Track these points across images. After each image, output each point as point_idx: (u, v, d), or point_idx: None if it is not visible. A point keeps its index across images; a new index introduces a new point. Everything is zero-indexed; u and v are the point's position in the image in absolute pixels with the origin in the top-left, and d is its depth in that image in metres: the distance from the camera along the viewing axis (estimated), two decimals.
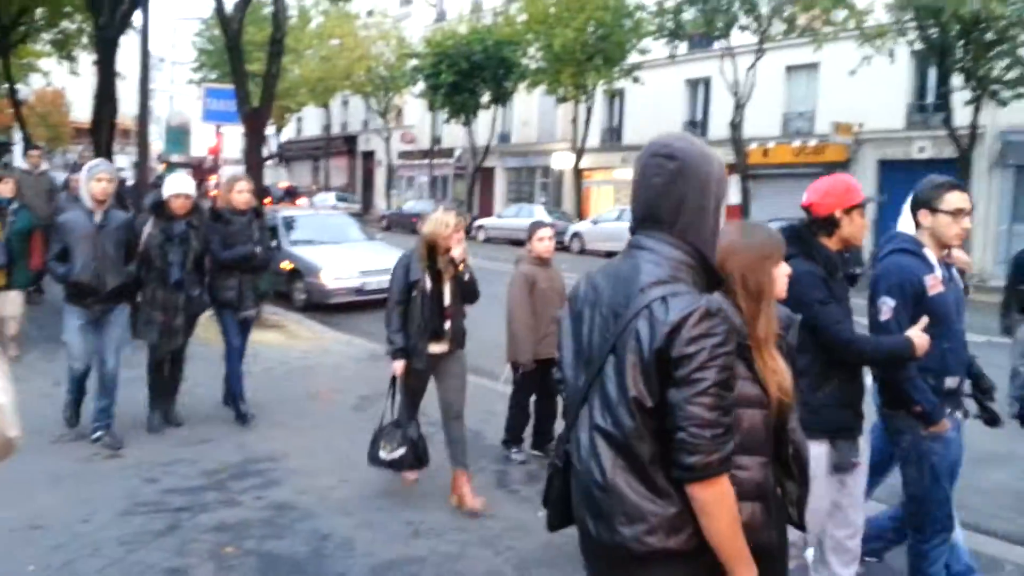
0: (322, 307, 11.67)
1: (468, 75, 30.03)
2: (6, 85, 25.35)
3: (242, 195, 6.02)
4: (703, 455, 1.66)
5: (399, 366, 4.51)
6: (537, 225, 5.56)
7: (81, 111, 24.79)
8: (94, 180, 5.24)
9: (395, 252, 13.55)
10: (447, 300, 4.54)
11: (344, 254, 12.47)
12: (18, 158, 31.68)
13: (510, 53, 29.31)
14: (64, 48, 26.13)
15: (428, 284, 4.51)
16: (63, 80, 34.36)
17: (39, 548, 3.84)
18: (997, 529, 4.66)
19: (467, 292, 4.66)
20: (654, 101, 29.37)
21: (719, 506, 1.71)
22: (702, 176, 1.85)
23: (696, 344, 1.67)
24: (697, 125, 29.96)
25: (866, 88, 22.11)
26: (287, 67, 36.29)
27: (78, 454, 5.20)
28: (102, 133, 16.82)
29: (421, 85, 32.86)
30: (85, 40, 23.82)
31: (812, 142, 25.60)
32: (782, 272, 2.25)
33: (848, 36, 20.75)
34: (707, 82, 28.45)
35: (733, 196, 27.14)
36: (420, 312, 4.45)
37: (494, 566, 3.92)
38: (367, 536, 4.17)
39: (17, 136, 27.96)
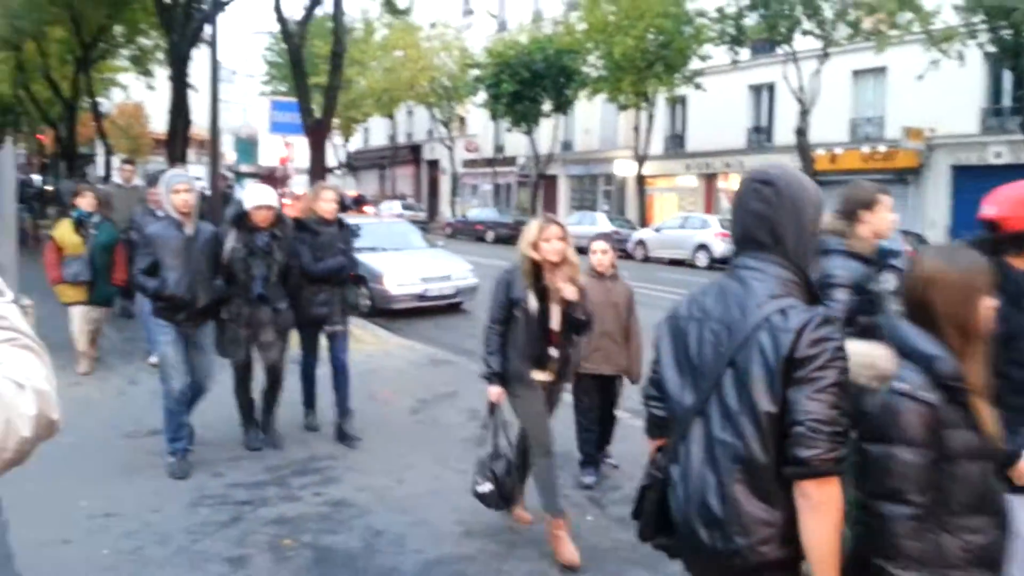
0: (385, 312, 11.94)
1: (529, 84, 30.27)
2: (88, 100, 26.57)
3: (329, 204, 5.70)
4: (820, 451, 1.72)
5: (495, 392, 4.11)
6: (592, 238, 5.42)
7: (159, 123, 25.84)
8: (172, 192, 5.00)
9: (456, 259, 13.88)
10: (554, 323, 4.08)
11: (406, 261, 12.74)
12: (100, 169, 33.11)
13: (570, 62, 29.44)
14: (141, 63, 27.30)
15: (533, 304, 4.04)
16: (141, 94, 35.83)
17: (114, 534, 4.09)
18: None
19: (577, 324, 4.19)
20: (717, 107, 29.12)
21: (828, 507, 1.75)
22: (798, 201, 1.96)
23: (817, 346, 1.76)
24: (761, 131, 29.58)
25: (937, 92, 21.53)
26: (353, 79, 37.22)
27: (151, 448, 5.47)
28: (176, 144, 17.57)
29: (483, 95, 33.23)
30: (160, 55, 24.78)
31: (882, 148, 25.03)
32: (989, 305, 2.03)
33: (915, 39, 20.25)
34: (771, 87, 28.08)
35: None
36: (522, 334, 4.03)
37: (540, 568, 4.01)
38: (419, 533, 4.31)
39: (99, 148, 29.18)
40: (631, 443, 5.31)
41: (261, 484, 4.92)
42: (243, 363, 5.42)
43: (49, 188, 21.21)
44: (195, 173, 22.36)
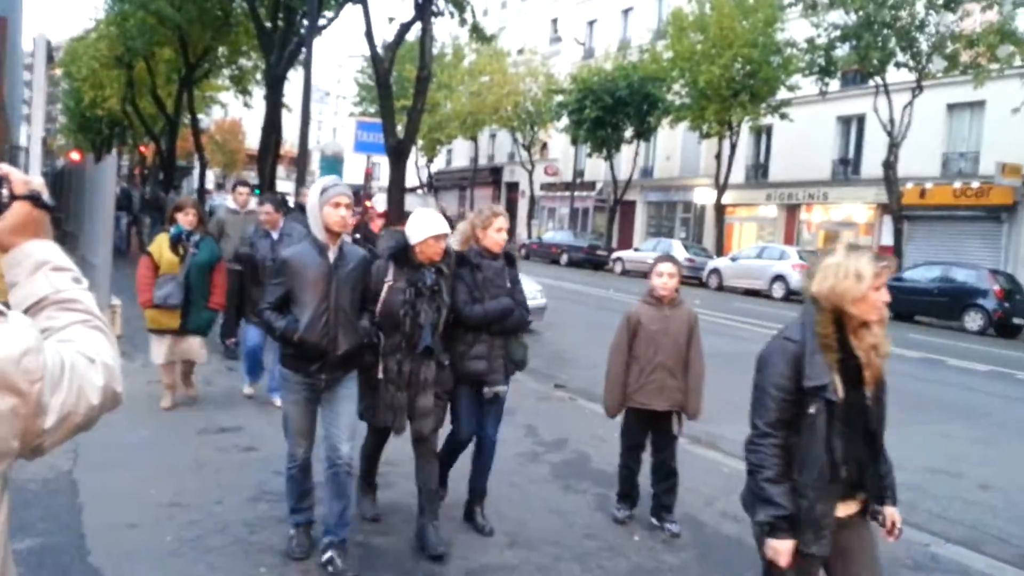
0: None
1: (612, 110, 30.39)
2: (189, 116, 27.97)
3: (500, 234, 4.56)
4: None
5: (784, 551, 2.56)
6: (658, 260, 4.93)
7: (255, 140, 27.07)
8: (330, 205, 3.87)
9: (526, 280, 13.93)
10: (872, 420, 2.68)
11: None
12: (195, 181, 34.62)
13: (655, 89, 29.45)
14: (240, 83, 28.61)
15: (840, 390, 2.56)
16: (239, 112, 37.49)
17: (178, 523, 4.32)
18: None
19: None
20: (803, 138, 28.63)
21: None
22: None
23: None
24: (848, 163, 28.91)
25: None
26: (440, 102, 38.10)
27: (220, 445, 5.74)
28: (267, 160, 18.34)
29: (565, 120, 33.52)
30: (258, 76, 25.91)
31: (975, 183, 24.14)
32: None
33: (1015, 73, 19.55)
34: (860, 119, 27.46)
35: (886, 237, 25.97)
36: (826, 445, 2.55)
37: None
38: (466, 541, 4.41)
39: (196, 162, 30.59)
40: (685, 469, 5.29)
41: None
42: (388, 431, 4.38)
43: (147, 197, 22.25)
44: (283, 188, 23.25)
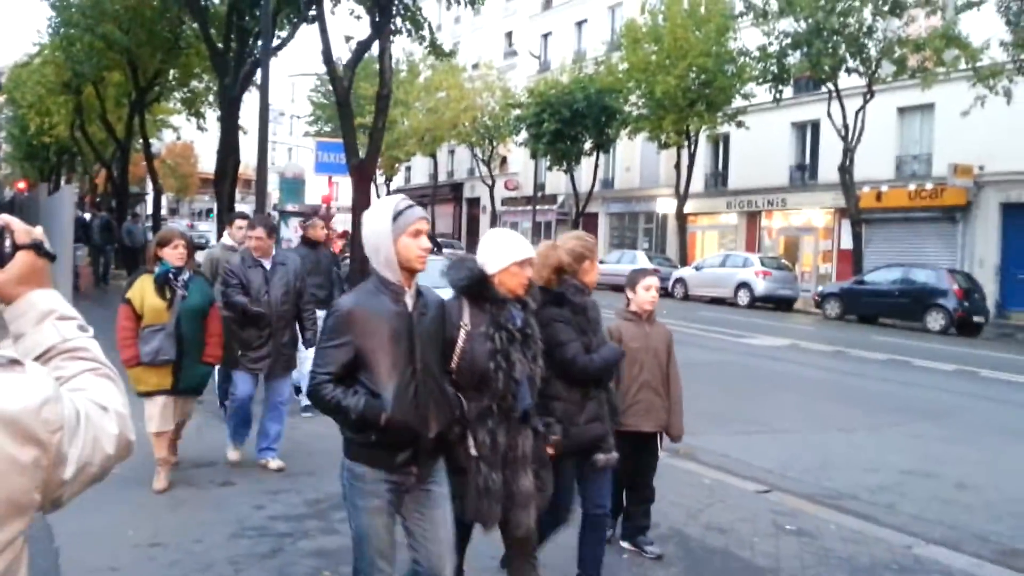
0: None
1: (570, 123, 30.57)
2: (140, 140, 27.51)
3: (591, 275, 3.93)
4: None
5: None
6: (641, 273, 4.63)
7: (208, 163, 26.73)
8: (408, 235, 2.83)
9: None
10: None
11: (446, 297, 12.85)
12: (149, 207, 33.95)
13: (612, 101, 29.70)
14: (193, 105, 28.22)
15: None
16: (191, 134, 36.97)
17: (158, 564, 4.18)
18: None
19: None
20: (760, 145, 29.08)
21: None
22: None
23: None
24: (805, 169, 29.42)
25: (986, 129, 21.27)
26: (397, 119, 37.99)
27: (196, 481, 5.59)
28: (225, 183, 18.07)
29: (524, 134, 33.64)
30: (211, 98, 25.57)
31: (928, 185, 24.72)
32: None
33: (963, 76, 20.09)
34: (815, 125, 27.98)
35: (845, 241, 26.44)
36: None
37: None
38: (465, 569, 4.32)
39: (149, 187, 30.08)
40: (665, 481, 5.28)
41: (301, 517, 4.98)
42: (485, 523, 3.26)
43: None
44: (242, 211, 22.95)
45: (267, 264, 5.88)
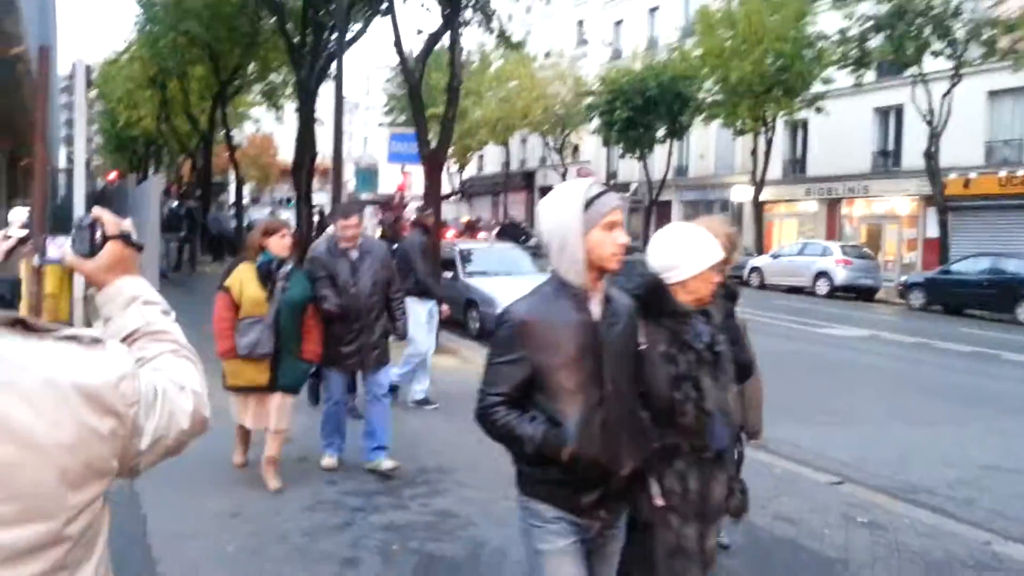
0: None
1: (643, 110, 30.24)
2: (223, 132, 28.41)
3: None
4: None
5: None
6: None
7: (287, 153, 27.48)
8: (601, 228, 2.34)
9: None
10: None
11: (516, 285, 12.86)
12: (231, 196, 35.08)
13: (685, 87, 29.26)
14: (272, 98, 28.98)
15: None
16: (271, 126, 37.98)
17: (236, 533, 4.39)
18: None
19: None
20: (840, 131, 28.23)
21: None
22: None
23: None
24: (888, 155, 28.47)
25: None
26: (469, 109, 38.23)
27: None
28: (302, 173, 18.55)
29: (596, 122, 33.44)
30: (290, 91, 26.21)
31: (1021, 172, 23.60)
32: None
33: None
34: (899, 110, 27.03)
35: (930, 229, 25.51)
36: None
37: None
38: (520, 547, 4.38)
39: (232, 177, 31.05)
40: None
41: (373, 493, 5.14)
42: None
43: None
44: (319, 201, 23.50)
45: (354, 254, 5.50)
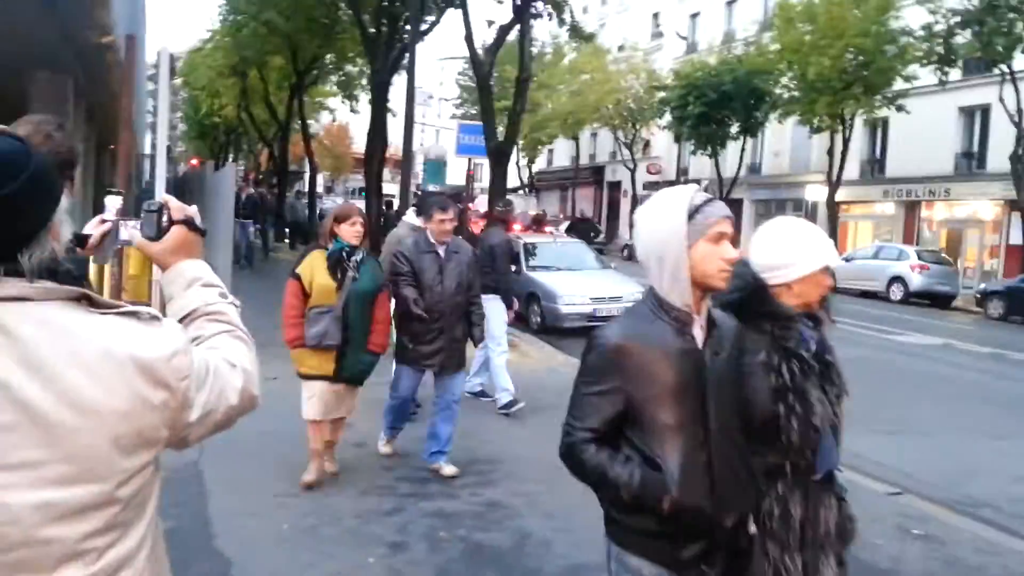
0: (555, 330, 12.22)
1: (717, 106, 29.77)
2: (299, 122, 29.12)
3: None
4: None
5: None
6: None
7: (361, 144, 27.93)
8: (708, 240, 2.07)
9: (627, 281, 13.92)
10: None
11: (578, 281, 12.98)
12: (306, 185, 35.85)
13: (762, 83, 28.67)
14: (347, 89, 29.54)
15: None
16: (346, 116, 38.68)
17: (292, 512, 4.58)
18: None
19: None
20: (922, 131, 27.25)
21: None
22: None
23: None
24: (972, 157, 27.39)
25: None
26: (540, 102, 38.25)
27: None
28: (373, 164, 18.89)
29: (668, 117, 33.07)
30: (365, 81, 26.68)
31: None
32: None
33: None
34: (985, 110, 25.93)
35: (1014, 236, 24.47)
36: None
37: None
38: (565, 539, 4.47)
39: (307, 166, 31.77)
40: None
41: (425, 481, 5.28)
42: None
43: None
44: (389, 191, 23.88)
45: (441, 251, 5.33)
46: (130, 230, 1.54)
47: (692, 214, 2.05)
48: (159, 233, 1.52)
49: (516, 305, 8.11)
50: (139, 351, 1.20)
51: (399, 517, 4.61)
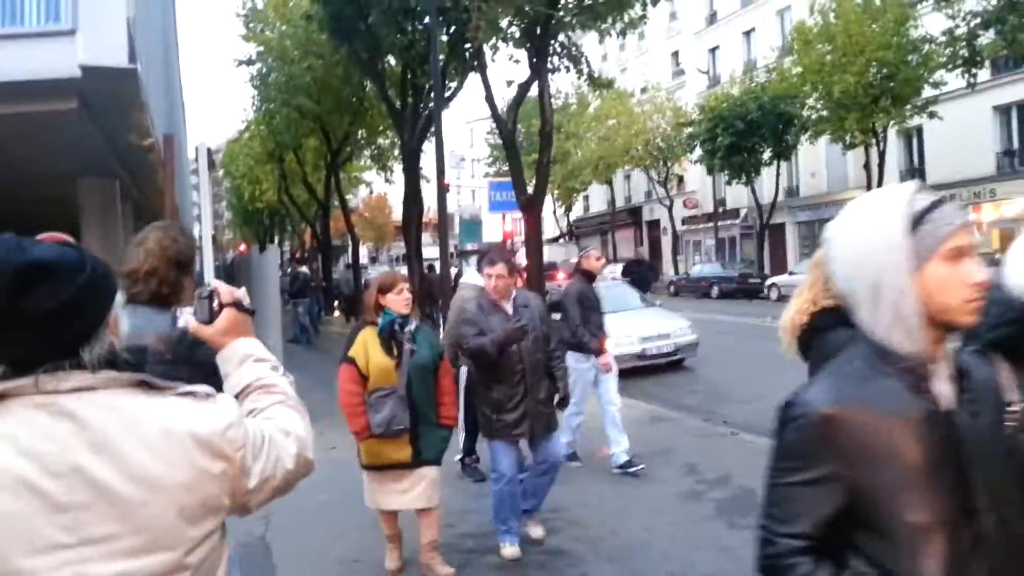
0: None
1: (745, 134, 29.81)
2: (338, 198, 29.85)
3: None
4: None
5: None
6: None
7: (400, 212, 28.55)
8: (943, 257, 1.45)
9: (674, 317, 13.89)
10: None
11: (625, 322, 12.96)
12: (349, 258, 36.59)
13: (788, 106, 28.67)
14: (380, 161, 30.31)
15: None
16: (383, 187, 39.55)
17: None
18: None
19: None
20: (958, 135, 26.86)
21: None
22: None
23: None
24: (1013, 154, 26.87)
25: None
26: (570, 151, 38.70)
27: None
28: (412, 230, 19.28)
29: (698, 151, 33.18)
30: (396, 152, 27.35)
31: None
32: None
33: None
34: (1021, 106, 25.55)
35: None
36: None
37: None
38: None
39: (349, 240, 32.45)
40: None
41: (487, 534, 5.29)
42: None
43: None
44: (429, 255, 24.27)
45: (508, 308, 4.91)
46: (186, 316, 1.67)
47: (916, 223, 1.46)
48: (211, 317, 1.65)
49: (606, 356, 7.00)
50: (196, 427, 1.32)
51: (464, 573, 4.64)
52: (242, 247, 38.64)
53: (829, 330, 2.54)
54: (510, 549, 4.89)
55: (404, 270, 17.42)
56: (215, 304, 1.65)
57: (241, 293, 1.69)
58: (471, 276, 6.79)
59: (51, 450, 1.21)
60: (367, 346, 4.37)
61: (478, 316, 4.86)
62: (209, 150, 11.58)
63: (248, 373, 1.61)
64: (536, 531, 5.13)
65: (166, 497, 1.26)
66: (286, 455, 1.47)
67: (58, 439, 1.22)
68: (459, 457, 6.77)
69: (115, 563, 1.21)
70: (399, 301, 4.39)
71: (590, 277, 6.92)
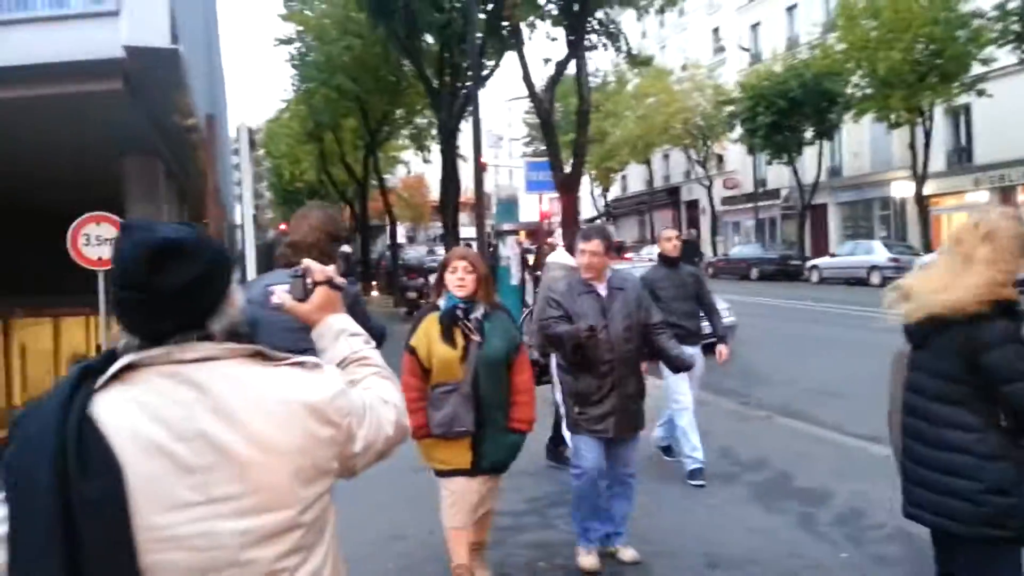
0: None
1: (787, 113, 29.33)
2: (376, 177, 30.06)
3: None
4: None
5: None
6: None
7: (438, 192, 28.67)
8: None
9: (715, 298, 13.70)
10: None
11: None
12: (387, 239, 36.82)
13: (831, 84, 28.10)
14: (418, 141, 30.43)
15: None
16: (420, 167, 39.70)
17: (396, 553, 4.74)
18: None
19: None
20: (1009, 112, 26.09)
21: None
22: None
23: None
24: None
25: None
26: (608, 130, 38.40)
27: (432, 479, 6.14)
28: (448, 210, 19.36)
29: (739, 130, 32.72)
30: (434, 132, 27.45)
31: None
32: None
33: None
34: None
35: None
36: None
37: None
38: (664, 563, 4.47)
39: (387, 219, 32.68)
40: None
41: (521, 513, 5.35)
42: None
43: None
44: (466, 235, 24.36)
45: (602, 290, 4.37)
46: (279, 294, 1.74)
47: None
48: (306, 295, 1.72)
49: (723, 347, 6.47)
50: (308, 395, 1.41)
51: (499, 550, 4.66)
52: (282, 226, 39.10)
53: (990, 320, 2.39)
54: (586, 558, 4.36)
55: (441, 250, 17.48)
56: (308, 282, 1.71)
57: (331, 270, 1.76)
58: (560, 255, 6.11)
59: (179, 415, 1.30)
60: (430, 335, 3.78)
61: (565, 298, 4.31)
62: (250, 130, 11.73)
63: (344, 347, 1.70)
64: (628, 553, 4.50)
65: (282, 460, 1.35)
66: (386, 422, 1.56)
67: (185, 405, 1.31)
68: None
69: (240, 520, 1.30)
70: (453, 282, 3.77)
71: (672, 262, 6.07)
